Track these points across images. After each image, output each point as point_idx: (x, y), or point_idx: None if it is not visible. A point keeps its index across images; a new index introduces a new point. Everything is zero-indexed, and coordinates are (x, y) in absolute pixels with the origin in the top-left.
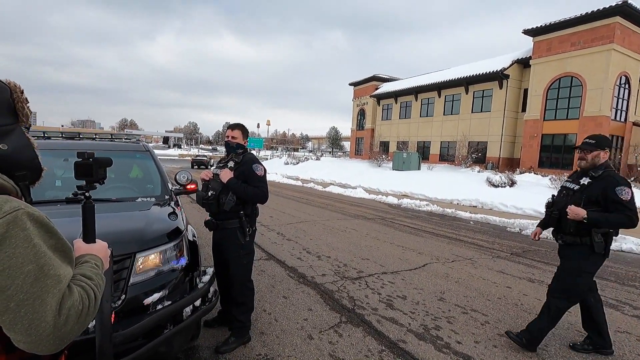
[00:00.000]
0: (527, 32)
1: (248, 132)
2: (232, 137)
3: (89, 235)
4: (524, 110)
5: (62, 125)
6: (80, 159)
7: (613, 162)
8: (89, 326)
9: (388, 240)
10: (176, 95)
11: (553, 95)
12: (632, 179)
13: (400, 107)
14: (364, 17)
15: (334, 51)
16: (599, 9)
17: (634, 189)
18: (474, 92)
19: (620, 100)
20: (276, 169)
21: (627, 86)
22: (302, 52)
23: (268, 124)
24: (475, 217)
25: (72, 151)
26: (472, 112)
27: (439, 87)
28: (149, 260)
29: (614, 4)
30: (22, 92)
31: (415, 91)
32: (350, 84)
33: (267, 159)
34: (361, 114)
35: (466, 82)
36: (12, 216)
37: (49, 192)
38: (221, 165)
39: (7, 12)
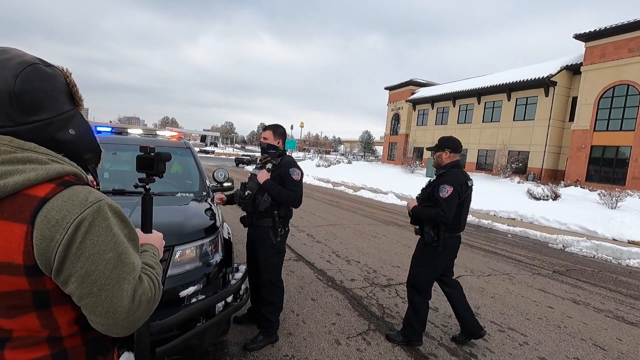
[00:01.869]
0: (578, 37)
1: (284, 133)
2: (264, 138)
3: (147, 226)
4: (571, 119)
5: (110, 121)
6: (142, 153)
7: None
8: None
9: None
10: (215, 95)
11: (605, 104)
12: None
13: (437, 112)
14: (403, 20)
15: (371, 54)
16: None
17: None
18: (516, 99)
19: None
20: (308, 171)
21: None
22: (340, 54)
23: (301, 126)
24: (513, 230)
25: (120, 145)
26: (513, 119)
27: (478, 93)
28: (186, 254)
29: None
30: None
31: (453, 97)
32: (385, 88)
33: (300, 159)
34: (396, 118)
35: (508, 89)
36: (97, 206)
37: None
38: (259, 166)
39: (68, 17)
